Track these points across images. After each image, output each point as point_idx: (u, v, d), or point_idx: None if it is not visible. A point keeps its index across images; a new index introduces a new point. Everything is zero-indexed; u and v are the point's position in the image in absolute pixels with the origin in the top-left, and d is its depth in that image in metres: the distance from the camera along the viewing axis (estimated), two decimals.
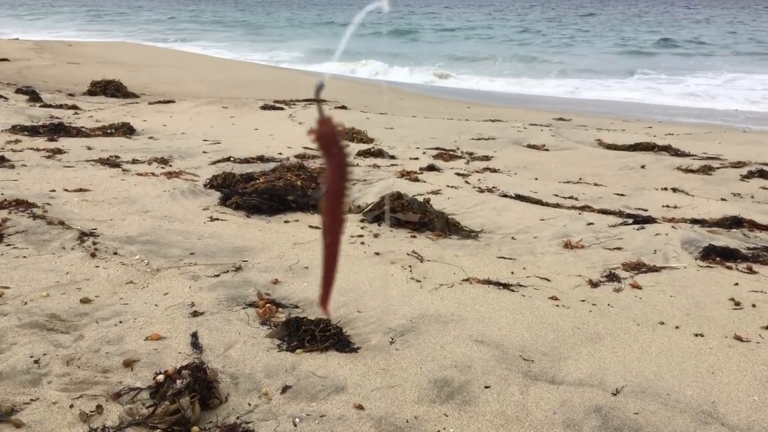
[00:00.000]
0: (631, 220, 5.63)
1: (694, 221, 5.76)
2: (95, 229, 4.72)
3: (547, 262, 4.64)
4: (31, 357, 2.94)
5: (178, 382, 2.71)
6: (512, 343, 3.38)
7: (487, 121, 11.86)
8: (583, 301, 3.97)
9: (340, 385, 2.90)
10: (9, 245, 4.29)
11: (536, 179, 7.47)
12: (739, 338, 3.54)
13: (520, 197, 6.41)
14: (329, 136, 1.24)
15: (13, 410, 2.58)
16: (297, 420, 2.63)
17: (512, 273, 4.39)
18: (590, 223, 5.56)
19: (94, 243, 4.43)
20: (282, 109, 12.15)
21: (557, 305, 3.89)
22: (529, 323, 3.62)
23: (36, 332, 3.18)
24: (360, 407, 2.74)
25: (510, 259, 4.68)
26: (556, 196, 6.62)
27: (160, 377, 2.77)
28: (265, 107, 12.13)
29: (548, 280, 4.29)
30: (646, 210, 6.16)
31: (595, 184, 7.32)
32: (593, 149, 9.61)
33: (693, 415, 2.79)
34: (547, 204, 6.22)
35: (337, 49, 1.42)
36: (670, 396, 2.94)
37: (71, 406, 2.62)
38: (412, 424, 2.66)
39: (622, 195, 6.83)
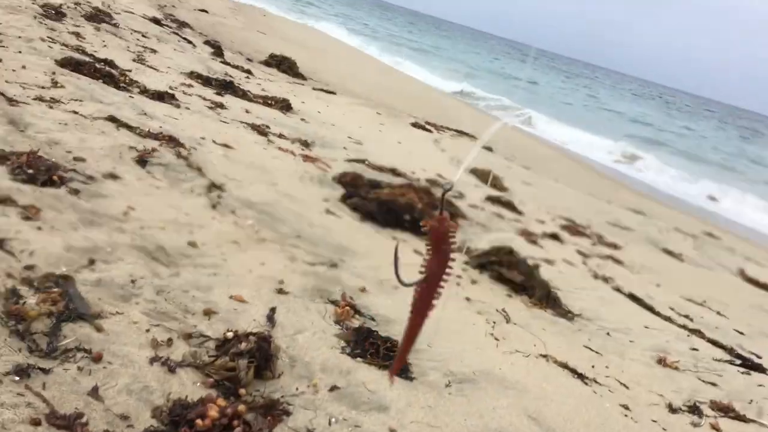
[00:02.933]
0: (738, 361, 5.24)
1: None
2: (224, 184, 5.06)
3: (634, 371, 4.42)
4: (130, 276, 3.22)
5: (243, 344, 2.86)
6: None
7: (629, 210, 11.45)
8: (654, 421, 3.76)
9: (384, 404, 2.94)
10: (149, 173, 4.70)
11: (658, 285, 7.12)
12: None
13: (633, 297, 6.15)
14: (443, 234, 1.35)
15: (100, 315, 2.84)
16: (333, 420, 2.70)
17: (593, 366, 4.23)
18: (695, 349, 5.23)
19: (219, 196, 4.75)
20: (430, 131, 12.37)
21: (625, 415, 3.70)
22: (588, 420, 3.47)
23: (142, 256, 3.47)
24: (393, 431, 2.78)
25: (596, 353, 4.51)
26: (672, 309, 6.27)
27: (230, 334, 2.93)
28: (415, 125, 12.41)
29: (627, 387, 4.09)
30: (760, 357, 5.70)
31: (718, 313, 6.86)
32: (731, 277, 9.01)
33: None
34: (658, 314, 5.92)
35: (463, 164, 1.52)
36: None
37: (147, 331, 2.84)
38: None
39: (741, 333, 6.35)
